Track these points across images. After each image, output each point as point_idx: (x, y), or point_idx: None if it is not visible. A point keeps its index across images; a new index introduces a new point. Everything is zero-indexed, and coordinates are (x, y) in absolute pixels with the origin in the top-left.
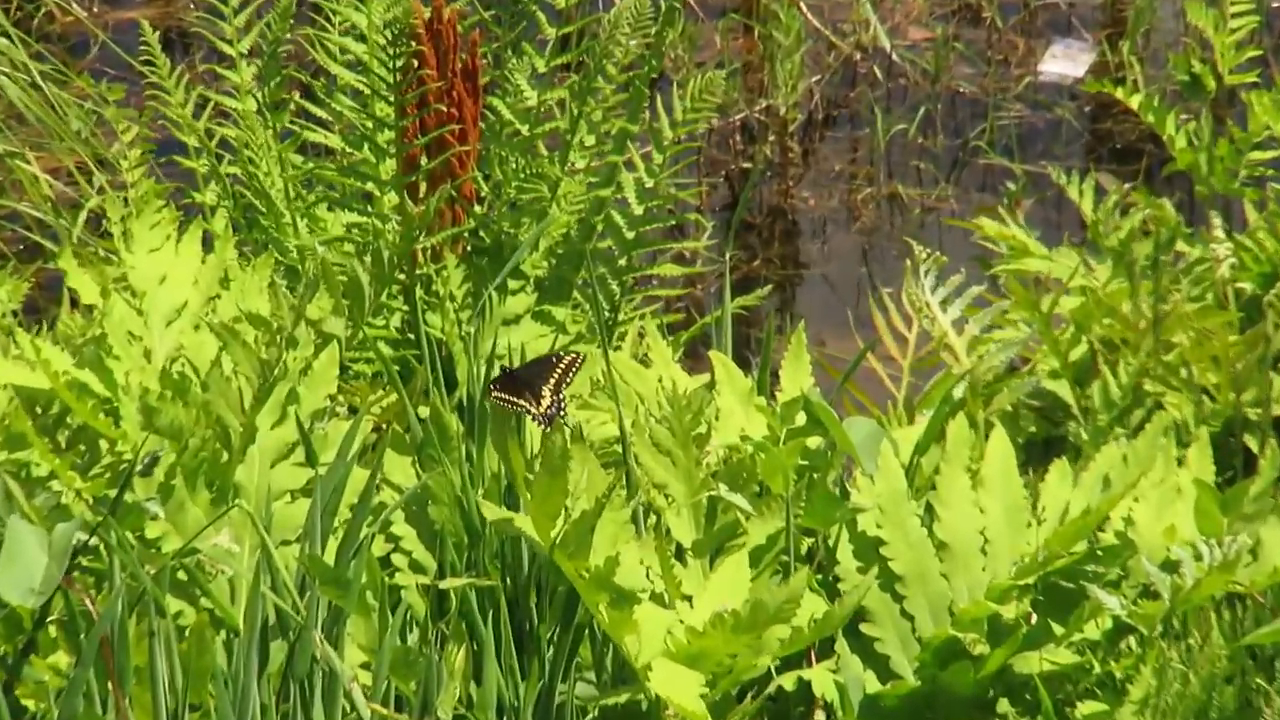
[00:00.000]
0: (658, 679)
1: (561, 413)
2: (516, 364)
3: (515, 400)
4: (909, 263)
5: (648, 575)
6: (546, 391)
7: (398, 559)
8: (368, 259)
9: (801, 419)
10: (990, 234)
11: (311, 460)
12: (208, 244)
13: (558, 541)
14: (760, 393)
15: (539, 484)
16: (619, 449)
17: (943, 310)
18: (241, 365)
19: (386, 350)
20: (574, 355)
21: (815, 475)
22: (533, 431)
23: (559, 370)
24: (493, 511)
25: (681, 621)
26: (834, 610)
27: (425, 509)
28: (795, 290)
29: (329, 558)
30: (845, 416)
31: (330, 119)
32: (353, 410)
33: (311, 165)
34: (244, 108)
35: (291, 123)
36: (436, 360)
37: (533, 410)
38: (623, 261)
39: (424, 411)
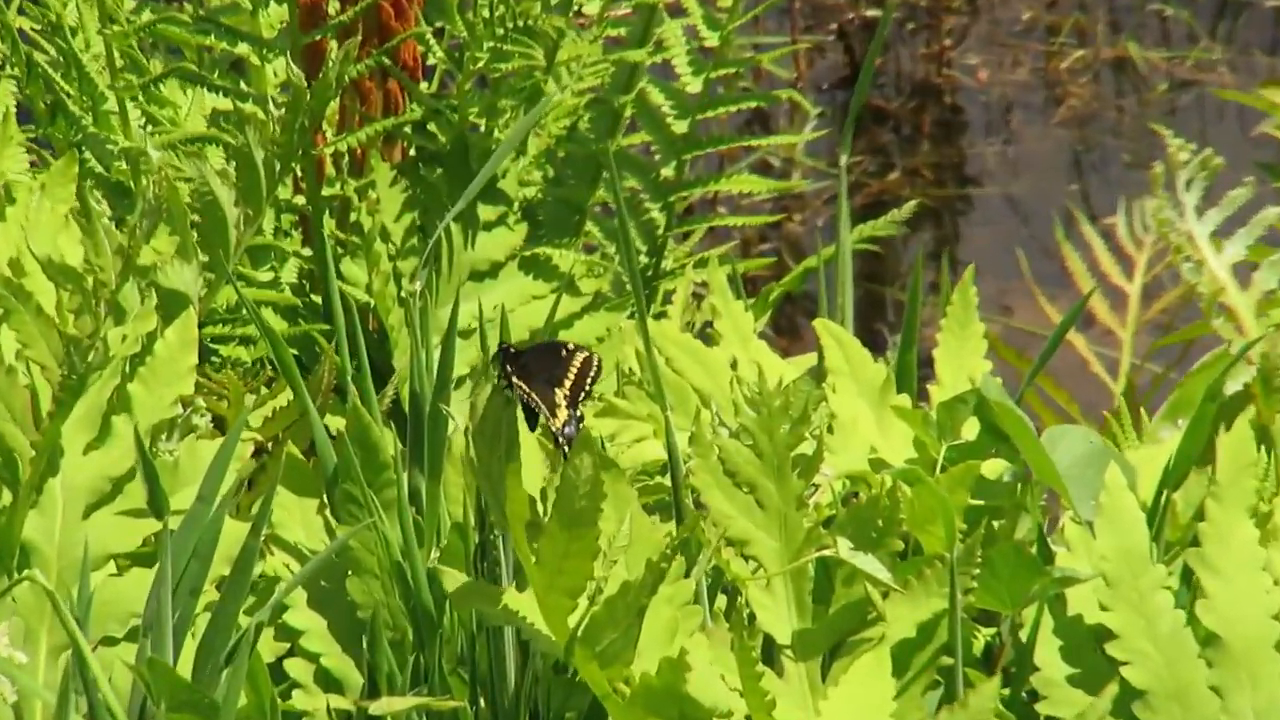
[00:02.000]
0: None
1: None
2: (494, 341)
3: (533, 396)
4: (1156, 168)
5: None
6: (561, 398)
7: (297, 667)
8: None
9: (972, 430)
10: None
11: (156, 504)
12: None
13: (579, 634)
14: (901, 388)
15: (551, 539)
16: (665, 480)
17: (1214, 248)
18: (33, 346)
19: (276, 322)
20: (587, 353)
21: (996, 524)
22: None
23: (574, 370)
24: (457, 582)
25: None
26: None
27: (342, 585)
28: (958, 220)
29: (184, 666)
30: (1041, 426)
31: None
32: (221, 424)
33: (150, 14)
34: None
35: None
36: (360, 338)
37: (552, 420)
38: (668, 172)
39: (337, 423)
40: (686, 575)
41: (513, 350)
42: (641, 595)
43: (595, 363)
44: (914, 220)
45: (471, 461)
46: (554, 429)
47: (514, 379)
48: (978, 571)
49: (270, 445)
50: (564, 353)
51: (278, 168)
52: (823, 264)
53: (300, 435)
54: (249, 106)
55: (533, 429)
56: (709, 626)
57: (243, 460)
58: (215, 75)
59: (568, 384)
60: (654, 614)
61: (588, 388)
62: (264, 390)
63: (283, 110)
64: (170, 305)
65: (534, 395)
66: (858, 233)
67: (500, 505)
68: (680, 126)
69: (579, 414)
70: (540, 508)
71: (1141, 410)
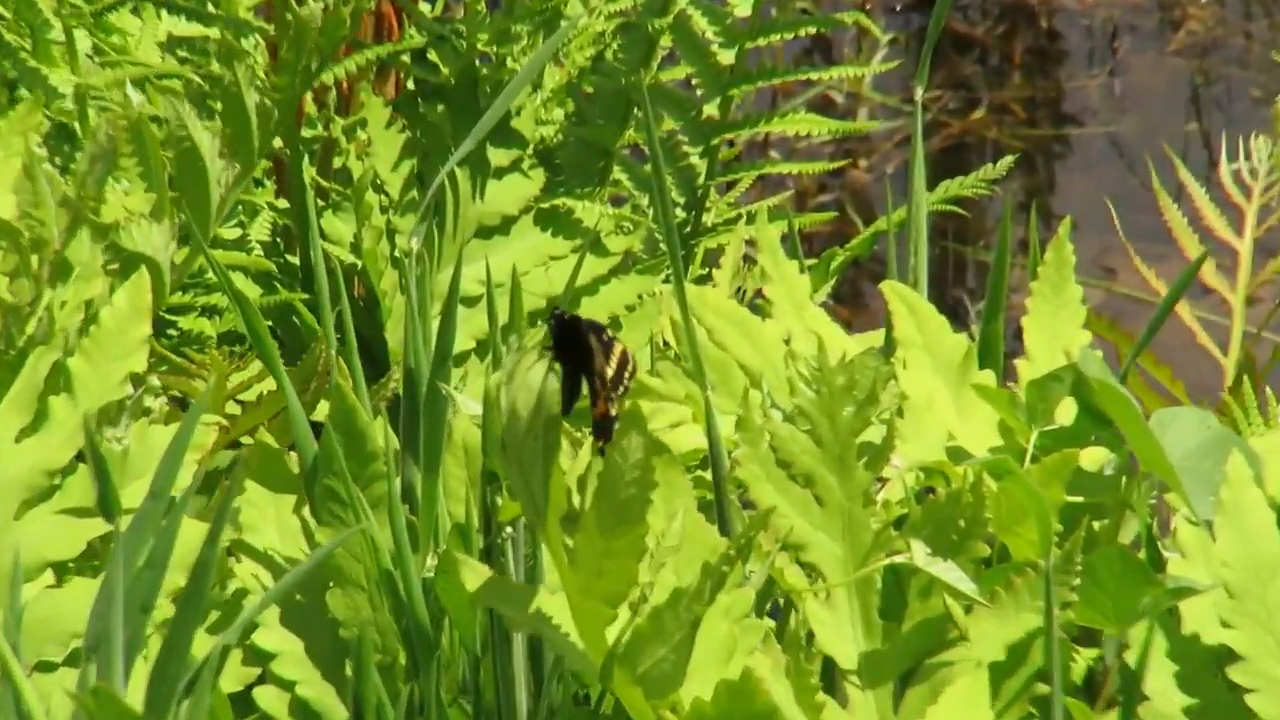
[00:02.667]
0: None
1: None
2: (504, 310)
3: (599, 374)
4: None
5: None
6: (599, 383)
7: (268, 697)
8: (216, 107)
9: (1068, 413)
10: None
11: (106, 504)
12: None
13: (619, 652)
14: (984, 363)
15: (589, 536)
16: (706, 474)
17: None
18: None
19: (247, 288)
20: (623, 346)
21: (1097, 525)
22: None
23: (614, 359)
24: (477, 574)
25: None
26: None
27: (321, 599)
28: (1054, 166)
29: (135, 694)
30: (1145, 409)
31: None
32: (182, 405)
33: None
34: None
35: None
36: (346, 308)
37: (598, 401)
38: (712, 110)
39: (320, 411)
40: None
41: (568, 317)
42: (696, 605)
43: (631, 359)
44: (1005, 173)
45: (501, 441)
46: (604, 413)
47: (591, 343)
48: (1077, 582)
49: (241, 439)
50: (605, 337)
51: (274, 115)
52: (894, 225)
53: (279, 427)
54: (227, 34)
55: (567, 411)
56: (760, 647)
57: (205, 449)
58: None
59: (609, 373)
60: (707, 629)
61: (625, 384)
62: (234, 370)
63: (284, 39)
64: (126, 266)
65: (600, 372)
66: (940, 191)
67: (530, 494)
68: (726, 56)
69: (614, 412)
70: (577, 498)
71: (1268, 389)
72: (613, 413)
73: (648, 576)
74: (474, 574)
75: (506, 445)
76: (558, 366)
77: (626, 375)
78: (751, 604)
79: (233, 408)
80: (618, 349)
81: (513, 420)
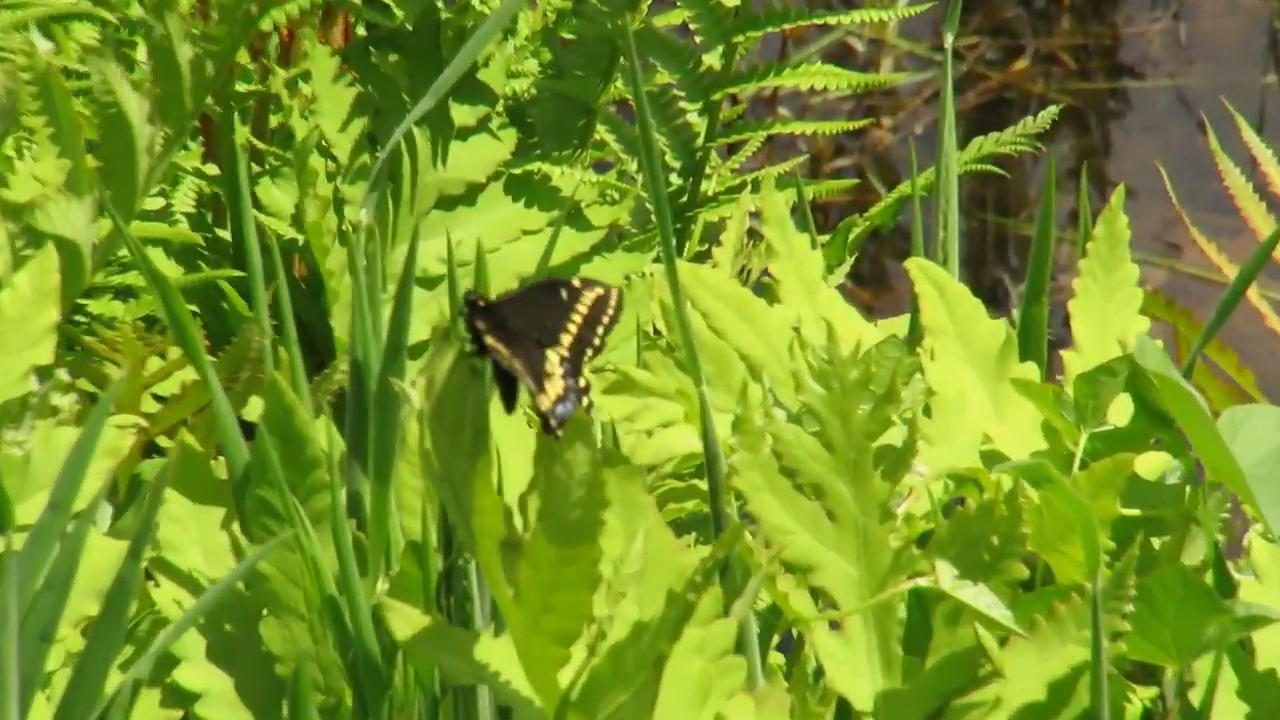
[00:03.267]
0: None
1: (585, 404)
2: (470, 291)
3: (514, 363)
4: None
5: None
6: (555, 359)
7: None
8: (134, 56)
9: (1123, 412)
10: None
11: None
12: None
13: (574, 697)
14: (1026, 353)
15: (534, 565)
16: (701, 483)
17: None
18: None
19: (169, 267)
20: (600, 290)
21: (1156, 542)
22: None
23: (577, 318)
24: (408, 623)
25: None
26: None
27: (254, 630)
28: (1109, 125)
29: None
30: (1210, 405)
31: None
32: (93, 400)
33: None
34: None
35: None
36: (284, 290)
37: (538, 395)
38: (713, 60)
39: (254, 409)
40: (725, 613)
41: (483, 303)
42: (660, 641)
43: (612, 301)
44: (1048, 126)
45: (428, 457)
46: (542, 409)
47: (487, 340)
48: (1131, 609)
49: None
50: (563, 295)
51: (210, 70)
52: (919, 191)
53: (203, 426)
54: None
55: (509, 409)
56: (760, 686)
57: (120, 454)
58: None
59: (567, 340)
60: (677, 668)
61: (599, 339)
62: (151, 358)
63: None
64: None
65: (516, 360)
66: (973, 149)
67: (465, 517)
68: None
69: (583, 384)
70: (520, 521)
71: None
72: (580, 383)
73: (605, 609)
74: (402, 618)
75: (435, 463)
76: (483, 364)
77: (601, 328)
78: (733, 639)
79: (152, 405)
80: (587, 299)
81: (439, 431)
